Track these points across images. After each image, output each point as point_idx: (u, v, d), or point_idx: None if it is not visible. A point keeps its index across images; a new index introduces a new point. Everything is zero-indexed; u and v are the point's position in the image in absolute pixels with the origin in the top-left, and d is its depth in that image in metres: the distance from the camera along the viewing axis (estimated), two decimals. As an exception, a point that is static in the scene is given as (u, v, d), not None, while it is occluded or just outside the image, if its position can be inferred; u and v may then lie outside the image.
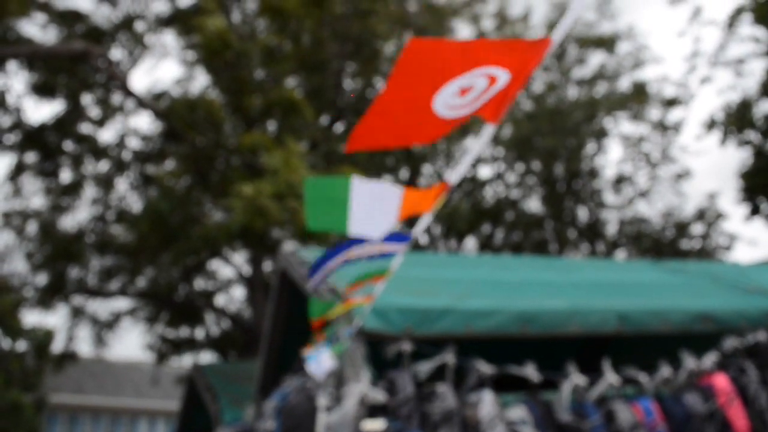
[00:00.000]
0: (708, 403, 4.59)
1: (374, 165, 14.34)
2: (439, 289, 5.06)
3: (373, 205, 2.36)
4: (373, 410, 4.05)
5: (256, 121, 11.78)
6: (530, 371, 4.46)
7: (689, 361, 4.90)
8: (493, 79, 1.67)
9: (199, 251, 12.36)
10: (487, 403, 4.12)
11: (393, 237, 2.70)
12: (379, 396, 4.04)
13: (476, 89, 1.69)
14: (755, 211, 14.44)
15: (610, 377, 4.59)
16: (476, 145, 2.09)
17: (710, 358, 4.92)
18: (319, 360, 4.01)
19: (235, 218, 8.55)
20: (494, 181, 17.23)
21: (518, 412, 4.27)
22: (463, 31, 16.81)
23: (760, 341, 5.13)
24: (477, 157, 16.84)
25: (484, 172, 17.36)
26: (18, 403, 13.52)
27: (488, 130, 1.97)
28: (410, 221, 2.69)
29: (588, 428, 4.32)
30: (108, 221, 14.00)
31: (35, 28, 12.64)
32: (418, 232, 2.73)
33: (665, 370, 4.85)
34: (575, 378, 4.54)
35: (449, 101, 1.70)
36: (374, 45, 13.95)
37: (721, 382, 4.72)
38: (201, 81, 14.17)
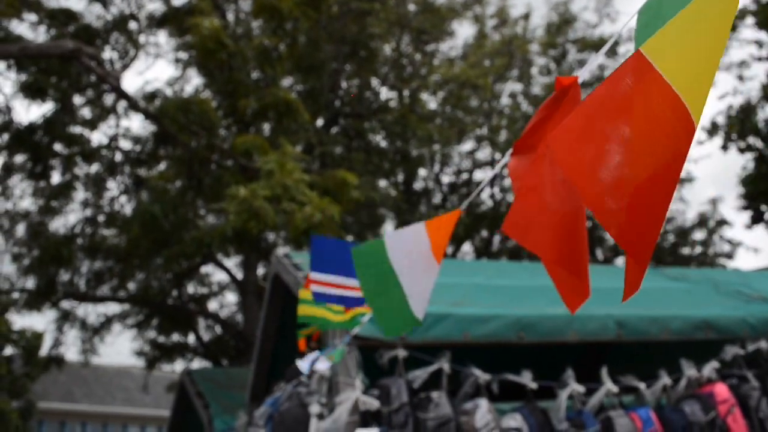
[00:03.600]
0: (708, 413, 4.58)
1: (370, 169, 14.34)
2: (435, 295, 5.03)
3: (411, 259, 2.48)
4: (366, 417, 4.03)
5: (251, 123, 11.76)
6: (527, 379, 4.44)
7: (689, 370, 4.89)
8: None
9: (192, 255, 12.32)
10: (483, 410, 4.10)
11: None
12: (372, 403, 4.02)
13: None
14: (757, 217, 14.47)
15: (609, 385, 4.58)
16: (489, 175, 2.13)
17: (711, 367, 4.92)
18: (310, 359, 3.99)
19: (230, 221, 8.53)
20: (492, 185, 17.24)
21: (514, 420, 4.25)
22: (462, 32, 16.83)
23: (761, 350, 5.12)
24: (473, 161, 16.86)
25: (481, 175, 17.36)
26: (4, 409, 13.45)
27: (505, 158, 2.00)
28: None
29: (586, 437, 4.30)
30: (99, 224, 13.96)
31: (25, 28, 12.63)
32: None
33: (665, 379, 4.84)
34: (573, 386, 4.53)
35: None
36: (371, 46, 13.96)
37: (722, 391, 4.71)
38: (194, 82, 14.19)
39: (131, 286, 14.62)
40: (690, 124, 1.30)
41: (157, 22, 12.98)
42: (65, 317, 14.46)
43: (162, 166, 13.77)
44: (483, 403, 4.17)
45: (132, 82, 63.82)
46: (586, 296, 1.62)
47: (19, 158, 12.97)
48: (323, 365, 4.09)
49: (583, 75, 1.74)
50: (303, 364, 3.94)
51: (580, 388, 4.54)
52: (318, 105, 13.54)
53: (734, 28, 15.19)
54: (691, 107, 1.29)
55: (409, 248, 2.55)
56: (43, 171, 12.87)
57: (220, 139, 11.35)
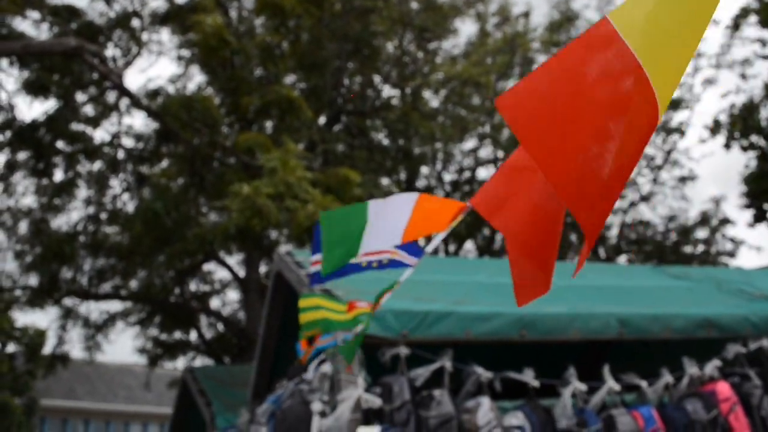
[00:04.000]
0: (710, 411, 4.58)
1: (372, 167, 14.34)
2: (437, 293, 5.05)
3: (385, 220, 2.41)
4: (368, 415, 4.04)
5: (253, 120, 11.77)
6: (529, 377, 4.45)
7: (691, 368, 4.89)
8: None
9: (194, 253, 12.34)
10: (485, 408, 4.11)
11: (407, 247, 2.71)
12: (374, 401, 4.02)
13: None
14: (760, 216, 14.45)
15: (611, 384, 4.58)
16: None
17: (713, 365, 4.92)
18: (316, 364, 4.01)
19: (232, 219, 8.53)
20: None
21: (516, 418, 4.26)
22: (465, 29, 16.81)
23: (763, 348, 5.12)
24: (475, 159, 16.86)
25: (484, 173, 17.37)
26: (7, 405, 13.48)
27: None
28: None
29: (588, 435, 4.31)
30: (101, 222, 13.99)
31: (28, 25, 12.66)
32: (431, 248, 2.75)
33: (667, 377, 4.84)
34: (575, 384, 4.53)
35: None
36: (374, 44, 13.95)
37: (724, 389, 4.71)
38: (197, 80, 14.18)
39: (133, 283, 14.65)
40: (651, 98, 1.25)
41: (159, 20, 12.98)
42: (68, 315, 14.50)
43: (164, 163, 13.78)
44: (485, 401, 4.18)
45: (134, 79, 63.87)
46: (544, 291, 1.61)
47: (22, 156, 12.99)
48: (326, 366, 4.11)
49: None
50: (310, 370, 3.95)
51: (582, 387, 4.54)
52: (320, 103, 13.54)
53: (737, 27, 15.15)
54: (655, 83, 1.25)
55: (391, 209, 2.44)
56: (45, 168, 12.89)
57: (222, 137, 11.36)
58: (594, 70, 1.26)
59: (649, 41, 1.26)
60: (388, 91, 16.20)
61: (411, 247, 2.74)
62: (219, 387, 8.60)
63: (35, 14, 12.38)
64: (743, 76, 15.17)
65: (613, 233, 17.56)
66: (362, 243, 2.50)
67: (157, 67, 60.48)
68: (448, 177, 17.04)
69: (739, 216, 24.49)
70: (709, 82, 15.78)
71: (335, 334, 3.71)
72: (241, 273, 14.32)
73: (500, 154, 16.70)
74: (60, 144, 12.88)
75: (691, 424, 4.54)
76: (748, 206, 14.69)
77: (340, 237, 2.53)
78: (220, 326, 15.49)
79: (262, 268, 13.94)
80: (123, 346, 41.52)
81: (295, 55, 12.23)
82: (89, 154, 13.30)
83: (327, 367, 4.26)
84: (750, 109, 14.40)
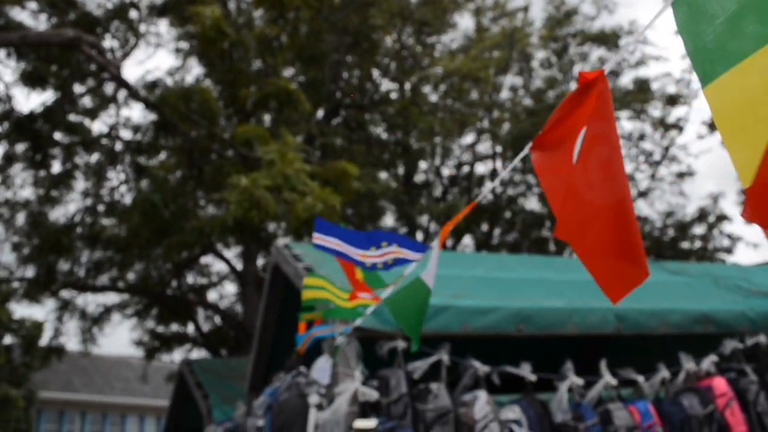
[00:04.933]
0: (706, 406, 4.59)
1: (371, 161, 14.32)
2: (435, 287, 5.04)
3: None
4: (365, 408, 4.04)
5: (252, 113, 11.74)
6: (526, 371, 4.45)
7: (688, 363, 4.90)
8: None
9: (192, 245, 12.33)
10: (481, 402, 4.11)
11: (410, 245, 2.74)
12: (371, 394, 4.03)
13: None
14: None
15: (608, 378, 4.59)
16: (506, 169, 2.15)
17: (709, 361, 4.93)
18: (323, 366, 4.01)
19: (230, 211, 8.52)
20: (492, 178, 17.22)
21: (513, 412, 4.27)
22: (463, 24, 16.79)
23: (760, 344, 5.13)
24: (474, 154, 16.85)
25: (482, 168, 17.36)
26: (8, 397, 13.49)
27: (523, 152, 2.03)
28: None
29: (584, 430, 4.32)
30: (99, 214, 13.96)
31: (26, 16, 12.60)
32: (435, 242, 2.77)
33: (663, 372, 4.85)
34: (572, 378, 4.54)
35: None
36: (373, 38, 13.91)
37: (720, 384, 4.72)
38: (195, 72, 14.16)
39: (131, 275, 14.64)
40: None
41: (158, 11, 12.94)
42: (65, 307, 14.49)
43: (162, 155, 13.75)
44: (482, 395, 4.18)
45: (133, 71, 63.71)
46: (645, 276, 1.65)
47: (20, 147, 12.96)
48: (328, 367, 4.11)
49: (608, 68, 1.74)
50: (318, 374, 3.96)
51: (579, 381, 4.55)
52: (319, 96, 13.51)
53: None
54: (736, 164, 1.23)
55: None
56: (43, 160, 12.86)
57: (220, 129, 11.33)
58: None
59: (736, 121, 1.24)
60: (386, 85, 16.18)
61: (414, 244, 2.76)
62: (216, 380, 8.61)
63: (33, 4, 12.33)
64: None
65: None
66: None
67: (156, 59, 60.39)
68: (446, 172, 17.04)
69: (737, 213, 24.53)
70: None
71: (334, 325, 3.71)
72: (239, 266, 14.31)
73: (498, 149, 16.70)
74: (58, 135, 12.85)
75: (688, 419, 4.55)
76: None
77: (415, 313, 2.76)
78: (218, 319, 15.50)
79: (260, 261, 13.94)
80: (120, 339, 41.60)
81: (293, 48, 12.20)
82: (87, 146, 13.27)
83: (324, 360, 4.26)
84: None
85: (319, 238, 2.97)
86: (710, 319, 5.26)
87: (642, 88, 16.29)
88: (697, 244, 16.65)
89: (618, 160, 1.58)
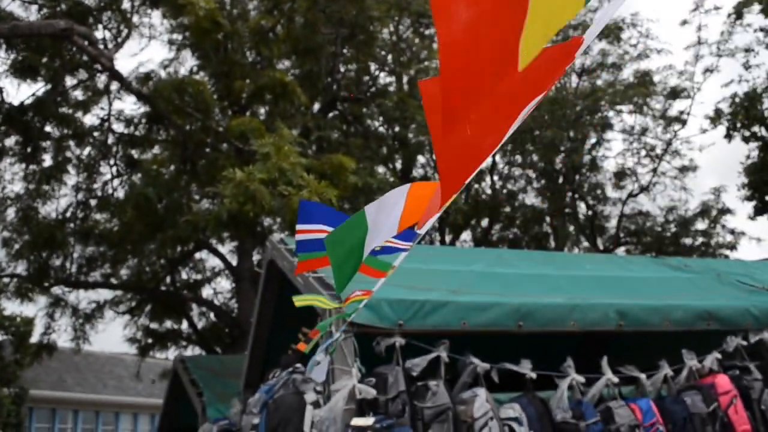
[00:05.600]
0: (709, 404, 4.58)
1: (368, 155, 14.29)
2: (433, 283, 5.03)
3: (382, 219, 2.43)
4: (363, 406, 4.02)
5: (246, 105, 11.70)
6: (526, 368, 4.44)
7: (691, 361, 4.89)
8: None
9: (186, 240, 12.30)
10: (481, 400, 4.10)
11: (401, 235, 2.70)
12: (369, 391, 4.01)
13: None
14: (761, 208, 14.47)
15: (609, 376, 4.58)
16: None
17: (712, 358, 4.92)
18: (320, 365, 3.99)
19: (225, 205, 8.49)
20: (492, 172, 17.21)
21: (513, 410, 4.25)
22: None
23: (764, 341, 5.12)
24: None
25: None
26: (-4, 395, 13.49)
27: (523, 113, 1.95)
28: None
29: (585, 428, 4.31)
30: (91, 208, 13.92)
31: (17, 6, 12.53)
32: (424, 230, 2.72)
33: (666, 369, 4.84)
34: (573, 376, 4.53)
35: None
36: (370, 29, 13.86)
37: (723, 382, 4.72)
38: (189, 64, 14.09)
39: (124, 271, 14.60)
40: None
41: (151, 2, 12.88)
42: (57, 303, 14.44)
43: (156, 149, 13.71)
44: (481, 393, 4.17)
45: (125, 64, 63.56)
46: (449, 196, 1.65)
47: (10, 140, 12.91)
48: (325, 365, 4.09)
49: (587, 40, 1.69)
50: (316, 374, 3.93)
51: (580, 379, 4.54)
52: (315, 89, 13.47)
53: (740, 16, 15.12)
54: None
55: (386, 211, 2.48)
56: (33, 153, 12.80)
57: (215, 122, 11.30)
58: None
59: None
60: (384, 77, 16.14)
61: (405, 233, 2.72)
62: (211, 377, 8.59)
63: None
64: (746, 66, 15.15)
65: (612, 224, 17.58)
66: (365, 249, 2.51)
67: (148, 51, 60.27)
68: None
69: (740, 208, 24.57)
70: (710, 70, 15.76)
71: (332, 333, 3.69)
72: (234, 261, 14.29)
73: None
74: (49, 128, 12.79)
75: (690, 417, 4.54)
76: (749, 198, 14.71)
77: (346, 254, 2.56)
78: (212, 315, 15.47)
79: (255, 257, 13.92)
80: (113, 336, 41.61)
81: (289, 40, 12.15)
82: (79, 139, 13.22)
83: (321, 357, 4.24)
84: (753, 98, 14.39)
85: (302, 230, 2.92)
86: (713, 316, 5.25)
87: (644, 80, 16.27)
88: (700, 239, 16.66)
89: (513, 116, 1.58)
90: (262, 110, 12.58)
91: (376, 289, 3.22)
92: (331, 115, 14.98)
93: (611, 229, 17.53)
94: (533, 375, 4.43)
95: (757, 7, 14.60)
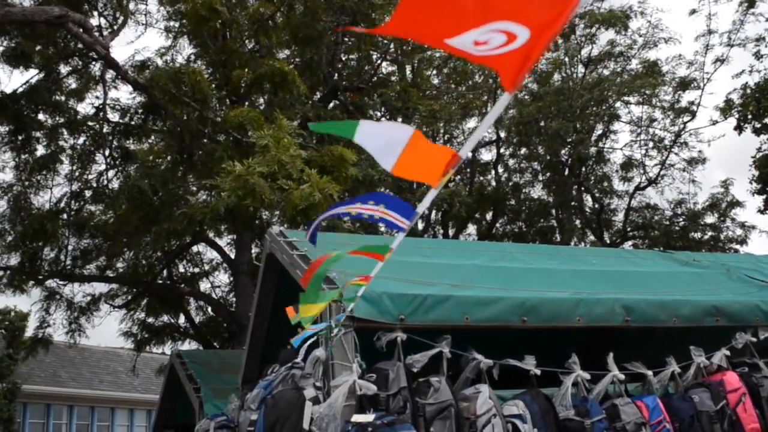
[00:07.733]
0: (718, 402, 4.59)
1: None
2: (436, 276, 5.03)
3: (378, 141, 2.31)
4: (363, 402, 4.03)
5: (245, 95, 11.68)
6: (531, 364, 4.44)
7: (699, 357, 4.89)
8: (511, 37, 1.57)
9: (182, 233, 12.30)
10: (484, 396, 4.11)
11: (397, 206, 2.68)
12: (370, 387, 4.02)
13: (491, 44, 1.60)
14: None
15: (615, 372, 4.58)
16: (491, 115, 2.03)
17: (721, 355, 4.92)
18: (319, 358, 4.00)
19: (222, 198, 8.48)
20: (496, 164, 17.21)
21: (516, 407, 4.26)
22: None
23: (774, 337, 5.12)
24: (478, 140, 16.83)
25: (486, 155, 17.32)
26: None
27: (504, 98, 1.90)
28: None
29: (590, 425, 4.32)
30: (85, 199, 13.92)
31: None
32: (423, 208, 2.71)
33: (673, 366, 4.85)
34: (578, 372, 4.53)
35: (466, 48, 1.61)
36: (372, 17, 13.82)
37: (732, 379, 4.72)
38: (186, 52, 14.07)
39: (119, 264, 14.61)
40: None
41: (147, -12, 12.86)
42: (51, 297, 14.47)
43: (151, 139, 13.70)
44: (484, 389, 4.18)
45: (121, 51, 63.42)
46: None
47: (1, 129, 12.91)
48: (320, 351, 4.10)
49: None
50: (298, 346, 3.94)
51: (585, 375, 4.54)
52: (316, 78, 13.45)
53: (752, 4, 15.07)
54: None
55: (384, 130, 2.35)
56: (26, 142, 12.80)
57: (212, 112, 11.28)
58: None
59: None
60: (386, 67, 16.11)
61: (402, 207, 2.70)
62: (208, 372, 8.61)
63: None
64: (758, 56, 15.10)
65: (619, 218, 17.57)
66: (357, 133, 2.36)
67: (145, 39, 60.18)
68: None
69: (750, 201, 24.52)
70: (720, 60, 15.72)
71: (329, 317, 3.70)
72: (231, 254, 14.30)
73: (503, 134, 16.65)
74: (42, 117, 12.79)
75: (698, 415, 4.54)
76: (759, 191, 14.69)
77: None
78: (209, 310, 15.49)
79: (254, 250, 13.92)
80: (109, 330, 41.72)
81: (288, 28, 12.11)
82: (73, 128, 13.21)
83: (320, 352, 4.25)
84: (764, 89, 14.35)
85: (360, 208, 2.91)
86: (722, 312, 5.25)
87: (652, 70, 16.23)
88: (709, 233, 16.65)
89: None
90: (261, 100, 12.56)
91: (374, 274, 3.22)
92: (332, 105, 14.96)
93: (618, 222, 17.53)
94: (537, 371, 4.43)
95: None
